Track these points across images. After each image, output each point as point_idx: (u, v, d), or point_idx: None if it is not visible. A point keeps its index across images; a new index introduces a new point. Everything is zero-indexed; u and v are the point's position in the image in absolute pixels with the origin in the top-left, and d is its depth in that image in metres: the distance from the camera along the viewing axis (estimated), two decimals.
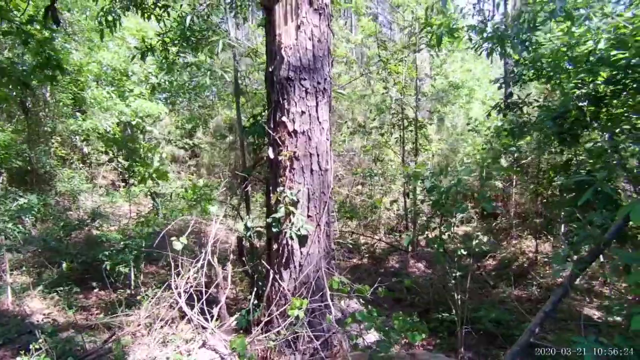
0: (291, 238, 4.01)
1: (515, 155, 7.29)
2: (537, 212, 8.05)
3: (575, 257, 3.14)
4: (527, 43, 5.13)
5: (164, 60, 6.35)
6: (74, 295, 5.84)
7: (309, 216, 4.12)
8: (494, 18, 5.79)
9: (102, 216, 7.50)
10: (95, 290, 6.09)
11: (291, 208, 4.00)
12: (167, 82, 9.03)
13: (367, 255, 8.15)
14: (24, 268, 6.53)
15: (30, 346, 3.79)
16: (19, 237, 5.62)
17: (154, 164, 5.24)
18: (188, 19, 4.62)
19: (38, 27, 3.98)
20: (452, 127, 13.08)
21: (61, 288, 5.73)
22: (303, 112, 4.03)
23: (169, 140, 13.74)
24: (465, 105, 12.87)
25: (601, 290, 6.40)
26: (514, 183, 9.12)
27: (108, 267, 5.62)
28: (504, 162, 8.61)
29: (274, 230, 4.08)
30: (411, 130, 8.05)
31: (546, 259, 7.29)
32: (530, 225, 8.19)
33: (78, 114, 8.64)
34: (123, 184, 11.45)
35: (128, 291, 5.86)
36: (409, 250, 8.00)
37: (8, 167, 6.53)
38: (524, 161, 8.32)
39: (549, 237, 7.75)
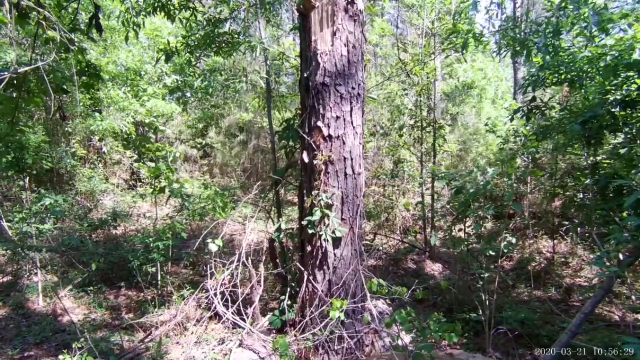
0: (325, 240, 4.08)
1: (533, 156, 7.35)
2: (554, 212, 8.11)
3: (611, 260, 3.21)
4: (550, 48, 5.20)
5: (185, 63, 6.46)
6: (102, 295, 5.93)
7: (342, 219, 4.19)
8: (499, 17, 5.85)
9: (123, 216, 7.58)
10: (123, 290, 6.19)
11: (326, 211, 4.07)
12: (185, 84, 9.13)
13: (383, 255, 8.23)
14: (49, 267, 6.62)
15: (73, 345, 3.87)
16: (48, 236, 5.70)
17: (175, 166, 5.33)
18: (227, 24, 4.68)
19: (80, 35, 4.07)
20: (463, 126, 13.15)
21: (90, 287, 5.82)
22: (338, 117, 4.10)
23: (181, 140, 13.85)
24: (478, 104, 12.92)
25: (619, 290, 6.48)
26: (528, 183, 9.19)
27: (135, 267, 5.71)
28: (519, 162, 8.70)
29: (309, 232, 4.15)
30: (429, 132, 8.13)
31: (563, 259, 7.38)
32: (547, 226, 8.26)
33: (97, 114, 8.72)
34: (139, 183, 11.53)
35: (155, 291, 5.95)
36: (427, 251, 8.09)
37: (36, 168, 6.62)
38: (539, 162, 8.39)
39: (566, 237, 7.82)
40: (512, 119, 5.71)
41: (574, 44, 5.29)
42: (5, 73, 1.99)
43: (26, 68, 2.27)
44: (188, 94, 11.43)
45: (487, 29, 5.67)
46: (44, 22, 2.11)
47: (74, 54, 4.03)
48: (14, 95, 3.32)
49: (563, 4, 4.80)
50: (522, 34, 5.42)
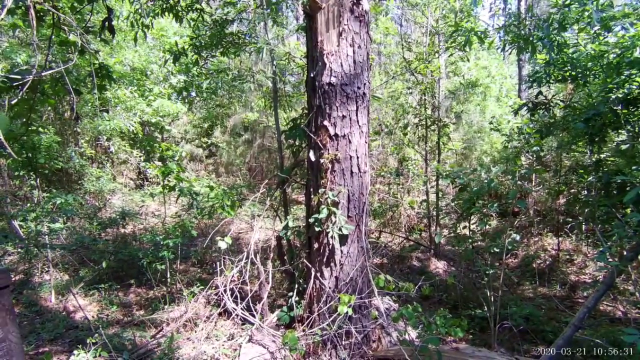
0: (332, 237, 4.15)
1: (538, 154, 7.39)
2: (558, 210, 8.14)
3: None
4: (554, 44, 5.24)
5: (192, 63, 6.55)
6: (114, 292, 6.04)
7: (348, 216, 4.26)
8: (503, 11, 5.88)
9: (132, 215, 7.69)
10: (133, 287, 6.29)
11: (333, 209, 4.14)
12: (191, 84, 9.23)
13: (389, 253, 8.30)
14: (60, 265, 6.74)
15: (88, 340, 3.97)
16: (60, 235, 5.80)
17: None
18: (234, 25, 4.76)
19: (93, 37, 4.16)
20: (467, 124, 13.17)
21: (101, 285, 5.93)
22: (344, 117, 4.17)
23: (187, 139, 13.99)
24: (482, 102, 12.93)
25: (624, 287, 6.51)
26: (533, 181, 9.22)
27: (145, 265, 5.82)
28: (523, 159, 8.73)
29: (316, 229, 4.22)
30: (433, 130, 8.18)
31: (568, 257, 7.41)
32: (551, 223, 8.29)
33: (105, 114, 8.85)
34: (146, 182, 11.66)
35: (165, 288, 6.06)
36: (432, 248, 8.15)
37: (49, 168, 6.75)
38: (543, 160, 8.42)
39: (570, 234, 7.85)
40: (516, 114, 5.75)
41: (579, 42, 5.33)
42: (29, 77, 2.08)
43: (50, 71, 2.36)
44: (193, 94, 11.56)
45: (492, 25, 5.72)
46: (65, 27, 2.19)
47: (91, 56, 4.13)
48: (27, 96, 3.42)
49: (567, 2, 4.85)
50: (527, 30, 5.46)
